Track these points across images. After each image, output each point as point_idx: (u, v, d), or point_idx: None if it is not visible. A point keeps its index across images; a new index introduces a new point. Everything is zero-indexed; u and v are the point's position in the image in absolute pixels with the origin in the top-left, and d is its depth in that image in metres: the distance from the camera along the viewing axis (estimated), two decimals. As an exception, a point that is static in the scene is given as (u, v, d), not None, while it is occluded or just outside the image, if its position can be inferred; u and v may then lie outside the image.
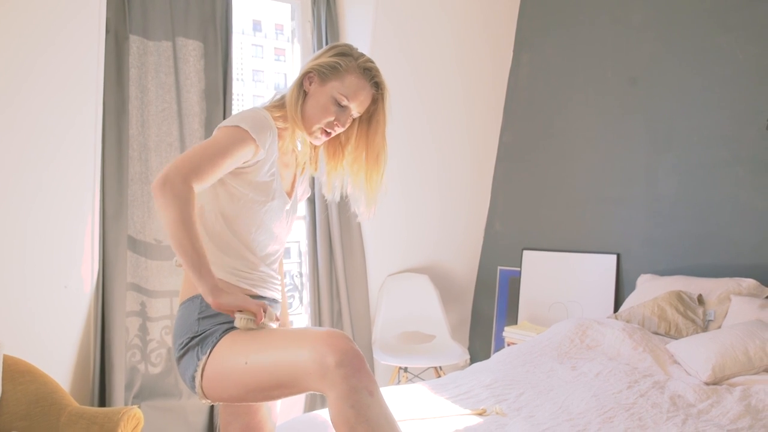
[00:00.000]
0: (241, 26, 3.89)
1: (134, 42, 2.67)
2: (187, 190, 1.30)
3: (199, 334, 1.41)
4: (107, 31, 2.54)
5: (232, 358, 1.34)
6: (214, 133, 1.46)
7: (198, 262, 1.30)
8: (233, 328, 1.41)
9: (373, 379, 1.25)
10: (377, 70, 1.59)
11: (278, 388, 1.31)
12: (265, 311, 1.35)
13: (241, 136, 1.40)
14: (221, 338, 1.38)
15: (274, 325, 1.39)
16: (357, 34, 3.32)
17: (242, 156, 1.42)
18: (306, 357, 1.24)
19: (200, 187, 1.35)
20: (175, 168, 1.30)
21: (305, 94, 1.57)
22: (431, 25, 3.55)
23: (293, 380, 1.27)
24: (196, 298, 1.46)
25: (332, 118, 1.55)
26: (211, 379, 1.37)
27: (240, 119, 1.44)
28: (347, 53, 1.58)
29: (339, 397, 1.20)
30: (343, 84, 1.54)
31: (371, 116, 1.63)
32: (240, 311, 1.33)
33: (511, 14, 3.97)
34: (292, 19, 3.42)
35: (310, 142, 1.66)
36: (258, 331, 1.39)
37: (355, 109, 1.57)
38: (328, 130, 1.57)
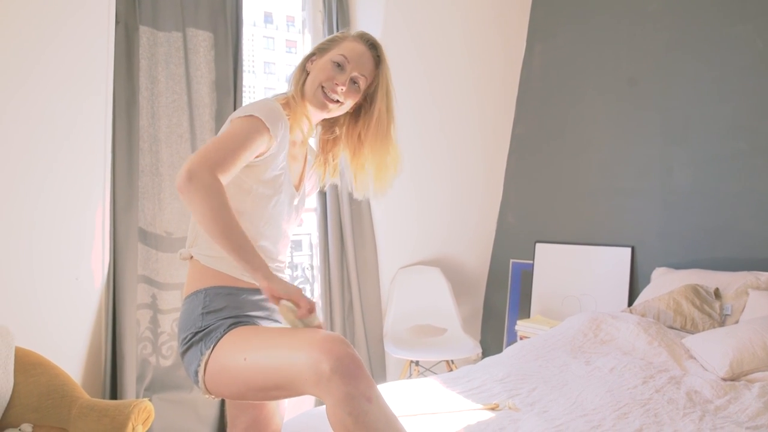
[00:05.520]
0: (253, 18, 3.87)
1: (144, 33, 2.65)
2: (216, 180, 1.28)
3: (203, 329, 1.40)
4: (117, 22, 2.53)
5: (232, 356, 1.33)
6: (226, 125, 1.44)
7: (243, 248, 1.30)
8: (237, 324, 1.40)
9: (372, 384, 1.22)
10: (371, 36, 1.60)
11: (277, 389, 1.29)
12: (312, 311, 1.32)
13: (256, 126, 1.38)
14: (225, 334, 1.37)
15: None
16: (368, 25, 3.29)
17: (259, 146, 1.40)
18: (302, 362, 1.21)
19: (225, 180, 1.32)
20: (197, 163, 1.28)
21: (307, 74, 1.57)
22: (443, 16, 3.52)
23: (290, 384, 1.26)
24: (200, 293, 1.44)
25: (331, 76, 1.51)
26: (213, 375, 1.36)
27: (252, 108, 1.42)
28: (345, 31, 1.62)
29: (335, 404, 1.18)
30: (340, 48, 1.55)
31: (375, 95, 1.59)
32: (288, 301, 1.31)
33: (524, 4, 3.92)
34: (303, 9, 3.39)
35: (319, 131, 1.66)
36: (261, 331, 1.38)
37: (356, 70, 1.53)
38: (329, 94, 1.52)
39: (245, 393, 1.35)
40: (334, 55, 1.54)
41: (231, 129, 1.39)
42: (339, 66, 1.52)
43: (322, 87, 1.52)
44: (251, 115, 1.40)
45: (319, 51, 1.58)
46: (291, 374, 1.24)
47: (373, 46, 1.57)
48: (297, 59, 3.53)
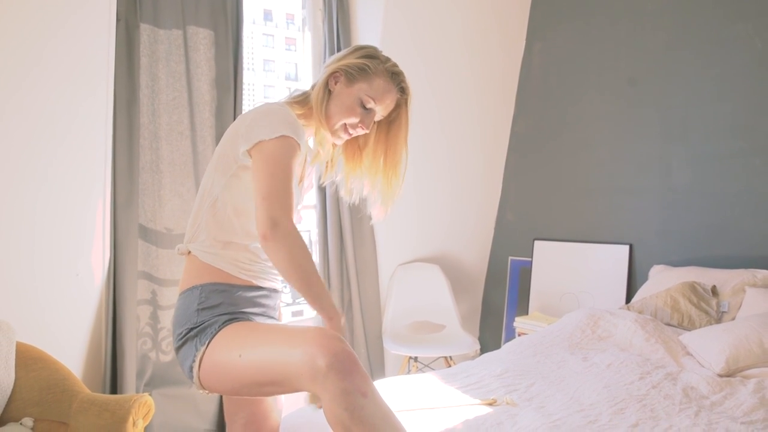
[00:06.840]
0: (252, 16, 3.87)
1: (145, 30, 2.66)
2: (293, 226, 1.34)
3: (198, 325, 1.41)
4: (118, 20, 2.53)
5: (227, 352, 1.34)
6: (257, 143, 1.40)
7: (322, 292, 1.36)
8: (233, 320, 1.41)
9: (367, 380, 1.23)
10: (404, 75, 1.61)
11: (271, 385, 1.30)
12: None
13: (292, 147, 1.40)
14: (219, 330, 1.38)
15: None
16: (368, 23, 3.30)
17: (298, 164, 1.43)
18: (297, 358, 1.23)
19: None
20: (273, 210, 1.32)
21: (329, 93, 1.57)
22: (442, 13, 3.52)
23: (285, 380, 1.27)
24: (196, 289, 1.46)
25: (357, 120, 1.55)
26: (208, 371, 1.37)
27: (278, 124, 1.41)
28: (374, 56, 1.58)
29: (332, 399, 1.19)
30: (371, 86, 1.54)
31: (392, 120, 1.64)
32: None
33: (523, 3, 3.93)
34: (303, 7, 3.39)
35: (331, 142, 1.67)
36: (256, 327, 1.39)
37: (380, 113, 1.58)
38: (351, 131, 1.57)
39: (240, 389, 1.36)
40: (363, 93, 1.54)
41: (274, 156, 1.38)
42: (367, 109, 1.55)
43: (346, 125, 1.56)
44: (283, 136, 1.39)
45: (346, 75, 1.55)
46: (286, 370, 1.25)
47: (401, 89, 1.60)
48: (296, 57, 3.54)
